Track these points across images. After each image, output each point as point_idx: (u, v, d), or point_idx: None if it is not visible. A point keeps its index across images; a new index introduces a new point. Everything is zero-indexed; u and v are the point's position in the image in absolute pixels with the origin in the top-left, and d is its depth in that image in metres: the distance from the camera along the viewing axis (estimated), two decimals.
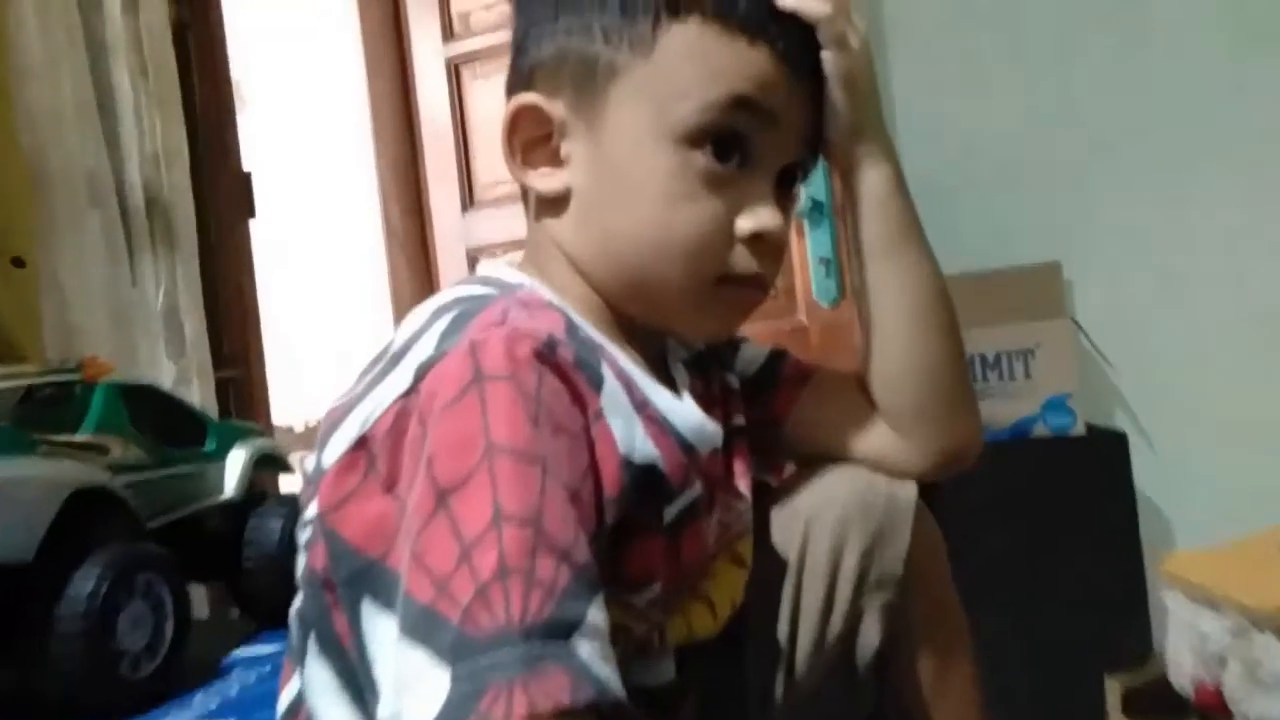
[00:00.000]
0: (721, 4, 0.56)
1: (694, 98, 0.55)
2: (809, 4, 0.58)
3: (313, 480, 0.51)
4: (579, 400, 0.49)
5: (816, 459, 0.70)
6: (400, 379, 0.49)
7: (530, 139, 0.59)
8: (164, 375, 1.48)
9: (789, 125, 0.58)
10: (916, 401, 0.66)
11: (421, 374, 0.48)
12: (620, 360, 0.57)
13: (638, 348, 0.60)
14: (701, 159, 0.56)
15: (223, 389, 1.62)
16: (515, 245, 2.09)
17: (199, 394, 1.53)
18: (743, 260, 0.58)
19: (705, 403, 0.63)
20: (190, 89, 1.61)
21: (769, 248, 0.58)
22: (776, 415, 0.71)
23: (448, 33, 2.20)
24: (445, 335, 0.50)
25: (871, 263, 0.66)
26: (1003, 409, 2.00)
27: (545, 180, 0.59)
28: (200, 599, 1.47)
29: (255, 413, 1.72)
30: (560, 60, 0.58)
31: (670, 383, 0.62)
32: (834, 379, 0.72)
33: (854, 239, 0.66)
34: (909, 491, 0.67)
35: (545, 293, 0.57)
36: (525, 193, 0.62)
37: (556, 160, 0.59)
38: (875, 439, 0.68)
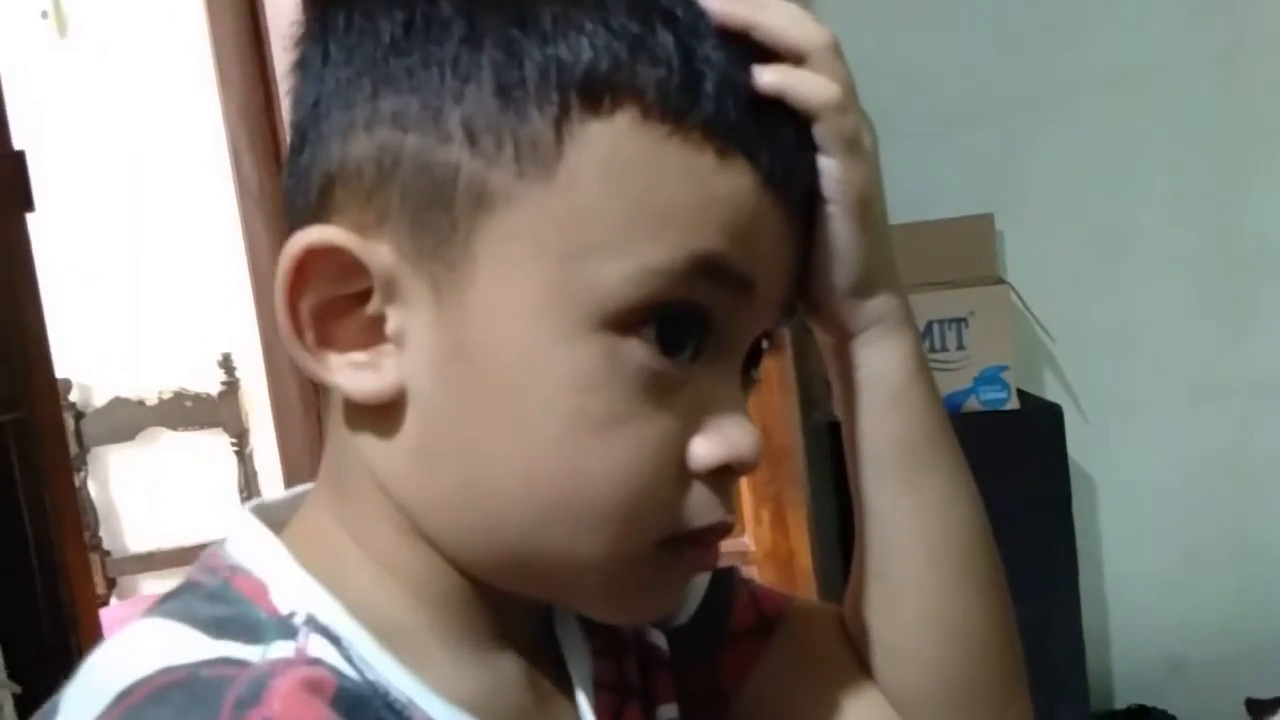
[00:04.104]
0: (671, 89, 0.32)
1: (627, 256, 0.32)
2: (807, 84, 0.35)
3: None
4: None
5: None
6: None
7: (329, 301, 0.34)
8: None
9: (769, 284, 0.36)
10: (945, 686, 0.43)
11: None
12: None
13: (509, 630, 0.38)
14: (638, 352, 0.33)
15: (1, 436, 1.30)
16: None
17: None
18: (701, 506, 0.35)
19: (618, 699, 0.41)
20: None
21: (739, 477, 0.37)
22: (721, 688, 0.46)
23: None
24: None
25: (880, 480, 0.42)
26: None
27: (358, 376, 0.34)
28: None
29: (47, 459, 1.40)
30: (386, 169, 0.33)
31: (559, 671, 0.40)
32: (812, 627, 0.47)
33: (851, 440, 0.43)
34: None
35: (329, 647, 0.32)
36: (320, 388, 0.36)
37: (379, 337, 0.35)
38: None
